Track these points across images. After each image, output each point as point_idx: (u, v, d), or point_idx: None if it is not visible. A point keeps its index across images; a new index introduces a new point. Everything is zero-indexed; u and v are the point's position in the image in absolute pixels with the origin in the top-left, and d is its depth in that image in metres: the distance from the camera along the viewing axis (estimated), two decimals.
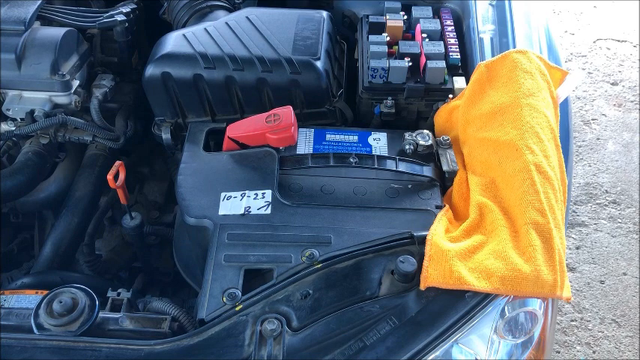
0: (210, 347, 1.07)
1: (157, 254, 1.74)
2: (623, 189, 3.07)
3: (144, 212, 1.77)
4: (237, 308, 1.11)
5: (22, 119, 1.58)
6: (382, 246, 1.20)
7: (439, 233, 1.18)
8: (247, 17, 1.62)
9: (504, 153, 1.27)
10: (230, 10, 1.78)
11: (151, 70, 1.50)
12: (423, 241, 1.18)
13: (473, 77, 1.44)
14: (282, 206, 1.28)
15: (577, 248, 2.80)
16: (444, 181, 1.38)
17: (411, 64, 1.54)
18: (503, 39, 1.62)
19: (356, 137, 1.48)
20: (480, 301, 1.11)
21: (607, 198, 3.02)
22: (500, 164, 1.27)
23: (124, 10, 1.77)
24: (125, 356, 1.06)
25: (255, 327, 1.08)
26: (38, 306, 1.14)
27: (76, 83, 1.62)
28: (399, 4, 1.76)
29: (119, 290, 1.28)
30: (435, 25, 1.66)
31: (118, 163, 1.38)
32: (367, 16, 1.74)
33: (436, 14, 1.73)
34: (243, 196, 1.30)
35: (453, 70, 1.58)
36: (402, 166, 1.36)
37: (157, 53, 1.52)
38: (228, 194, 1.31)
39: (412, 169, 1.36)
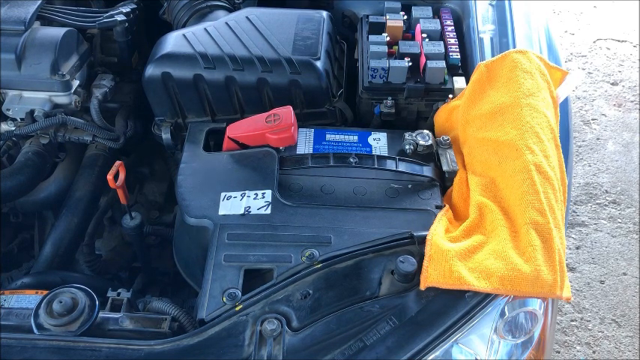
0: (210, 347, 1.07)
1: (156, 254, 1.74)
2: (623, 189, 3.07)
3: (144, 212, 1.77)
4: (237, 308, 1.11)
5: (22, 119, 1.58)
6: (382, 246, 1.20)
7: (439, 233, 1.18)
8: (247, 17, 1.62)
9: (504, 153, 1.27)
10: (230, 10, 1.78)
11: (151, 70, 1.50)
12: (423, 241, 1.18)
13: (473, 77, 1.44)
14: (282, 206, 1.28)
15: (577, 248, 2.80)
16: (444, 181, 1.38)
17: (411, 64, 1.54)
18: (503, 39, 1.62)
19: (356, 137, 1.48)
20: (480, 301, 1.11)
21: (607, 198, 3.02)
22: (500, 164, 1.27)
23: (124, 10, 1.76)
24: (125, 356, 1.06)
25: (255, 327, 1.08)
26: (38, 306, 1.14)
27: (76, 83, 1.62)
28: (399, 4, 1.76)
29: (119, 290, 1.28)
30: (435, 25, 1.66)
31: (118, 163, 1.38)
32: (367, 16, 1.74)
33: (436, 14, 1.73)
34: (243, 196, 1.30)
35: (453, 70, 1.58)
36: (402, 166, 1.36)
37: (157, 53, 1.52)
38: (228, 194, 1.31)
39: (412, 169, 1.36)
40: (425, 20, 1.68)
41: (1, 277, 1.61)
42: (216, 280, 1.16)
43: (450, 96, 1.52)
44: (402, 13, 1.73)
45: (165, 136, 1.57)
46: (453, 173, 1.36)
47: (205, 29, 1.58)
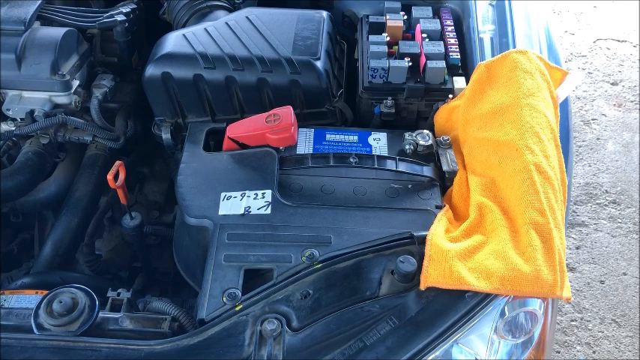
0: (210, 347, 1.07)
1: (157, 254, 1.74)
2: (623, 189, 3.07)
3: (144, 212, 1.77)
4: (237, 308, 1.11)
5: (22, 119, 1.58)
6: (382, 246, 1.20)
7: (439, 233, 1.18)
8: (247, 17, 1.62)
9: (504, 153, 1.27)
10: (230, 10, 1.78)
11: (151, 70, 1.50)
12: (423, 241, 1.18)
13: (473, 77, 1.44)
14: (282, 206, 1.28)
15: (577, 248, 2.80)
16: (444, 181, 1.38)
17: (411, 64, 1.54)
18: (503, 39, 1.62)
19: (356, 137, 1.48)
20: (480, 301, 1.10)
21: (607, 198, 3.02)
22: (500, 164, 1.27)
23: (124, 10, 1.77)
24: (125, 356, 1.06)
25: (255, 327, 1.08)
26: (38, 306, 1.13)
27: (76, 83, 1.62)
28: (399, 4, 1.76)
29: (119, 290, 1.27)
30: (435, 25, 1.66)
31: (118, 163, 1.38)
32: (367, 16, 1.74)
33: (436, 14, 1.73)
34: (243, 196, 1.30)
35: (453, 70, 1.58)
36: (402, 166, 1.36)
37: (157, 53, 1.52)
38: (228, 194, 1.31)
39: (412, 169, 1.36)
40: (425, 20, 1.68)
41: (1, 277, 1.61)
42: (216, 280, 1.15)
43: (450, 96, 1.52)
44: (402, 13, 1.73)
45: (166, 136, 1.57)
46: (453, 173, 1.36)
47: (205, 29, 1.58)
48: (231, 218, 1.26)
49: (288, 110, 1.40)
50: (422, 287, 1.12)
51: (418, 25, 1.67)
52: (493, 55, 1.53)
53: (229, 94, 1.52)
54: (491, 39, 1.62)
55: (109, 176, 1.35)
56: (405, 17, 1.71)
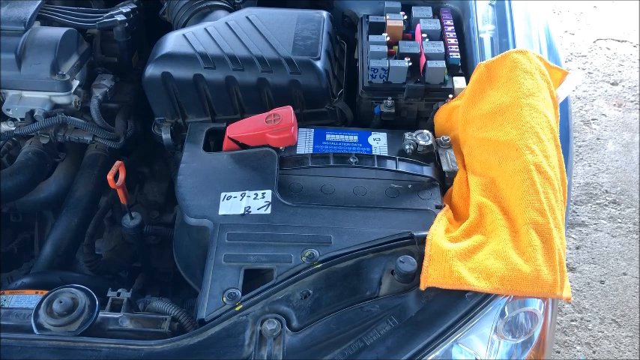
0: (210, 347, 1.07)
1: (157, 254, 1.74)
2: (623, 189, 3.07)
3: (144, 212, 1.77)
4: (237, 308, 1.11)
5: (22, 119, 1.59)
6: (382, 246, 1.20)
7: (439, 233, 1.18)
8: (247, 17, 1.62)
9: (504, 153, 1.27)
10: (230, 10, 1.78)
11: (151, 70, 1.50)
12: (423, 241, 1.18)
13: (473, 77, 1.44)
14: (282, 206, 1.28)
15: (577, 248, 2.80)
16: (444, 181, 1.38)
17: (411, 64, 1.54)
18: (503, 39, 1.62)
19: (356, 137, 1.48)
20: (480, 301, 1.11)
21: (607, 198, 3.02)
22: (500, 164, 1.27)
23: (124, 10, 1.77)
24: (125, 356, 1.06)
25: (255, 327, 1.08)
26: (38, 306, 1.13)
27: (76, 83, 1.62)
28: (399, 4, 1.76)
29: (119, 290, 1.27)
30: (435, 25, 1.66)
31: (118, 163, 1.38)
32: (367, 16, 1.74)
33: (436, 14, 1.73)
34: (243, 196, 1.30)
35: (453, 70, 1.58)
36: (402, 166, 1.36)
37: (157, 53, 1.52)
38: (228, 194, 1.31)
39: (412, 169, 1.36)
40: (425, 20, 1.68)
41: (1, 277, 1.61)
42: (216, 280, 1.16)
43: (450, 96, 1.52)
44: (402, 13, 1.73)
45: (166, 136, 1.57)
46: (453, 173, 1.36)
47: (205, 29, 1.58)
48: (231, 218, 1.26)
49: (288, 110, 1.40)
50: (422, 287, 1.12)
51: (418, 25, 1.67)
52: (493, 55, 1.53)
53: (229, 94, 1.52)
54: (491, 39, 1.63)
55: (109, 176, 1.35)
56: (405, 17, 1.71)
